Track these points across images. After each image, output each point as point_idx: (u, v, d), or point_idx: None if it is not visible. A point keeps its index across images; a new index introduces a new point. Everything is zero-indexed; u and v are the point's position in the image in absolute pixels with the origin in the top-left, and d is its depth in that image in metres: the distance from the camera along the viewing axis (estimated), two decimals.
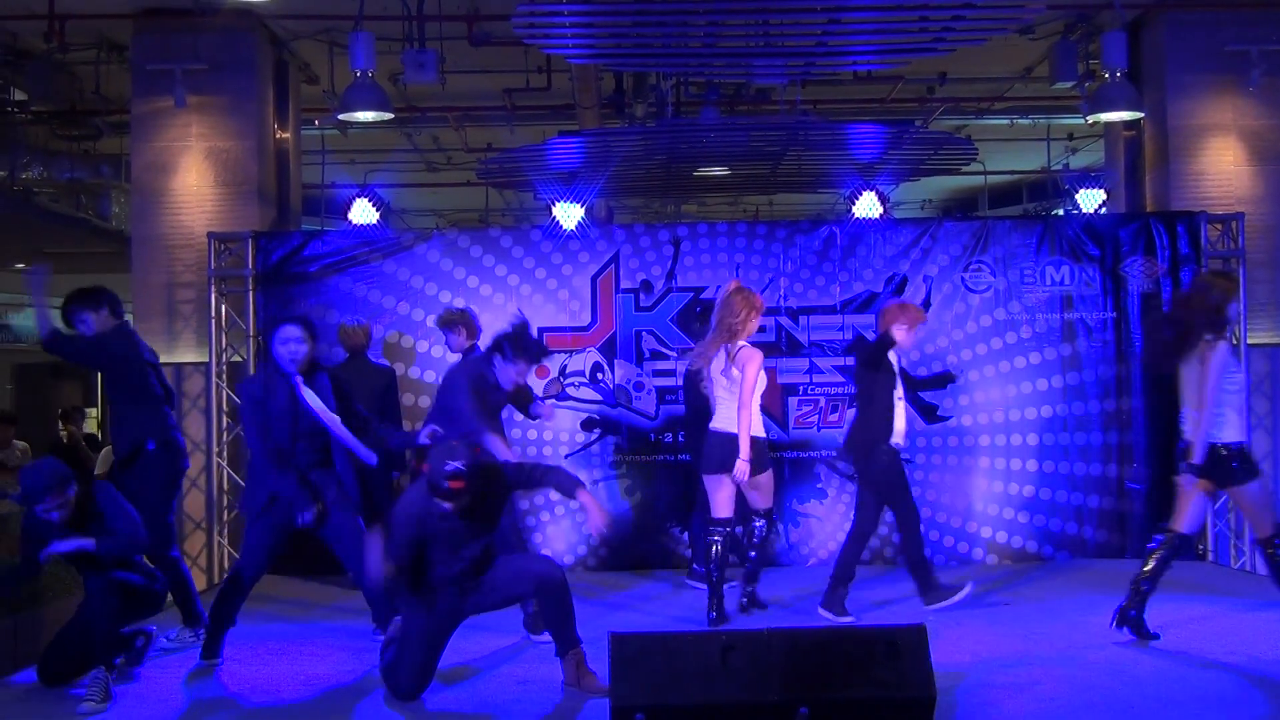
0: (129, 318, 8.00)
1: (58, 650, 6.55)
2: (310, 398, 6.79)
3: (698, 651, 5.32)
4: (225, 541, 10.25)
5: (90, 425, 19.89)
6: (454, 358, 8.68)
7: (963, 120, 14.80)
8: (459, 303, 9.76)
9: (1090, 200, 10.84)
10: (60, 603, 7.82)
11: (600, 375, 10.11)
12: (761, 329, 10.03)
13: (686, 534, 9.80)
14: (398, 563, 6.00)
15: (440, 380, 7.96)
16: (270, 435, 6.76)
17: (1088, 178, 11.34)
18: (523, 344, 7.30)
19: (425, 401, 10.06)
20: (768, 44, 9.57)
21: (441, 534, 6.04)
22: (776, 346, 10.06)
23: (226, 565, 10.12)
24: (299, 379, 6.81)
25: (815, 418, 10.07)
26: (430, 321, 9.94)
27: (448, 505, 5.96)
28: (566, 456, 9.97)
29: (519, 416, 8.73)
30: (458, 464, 5.88)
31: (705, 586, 8.82)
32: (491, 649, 7.11)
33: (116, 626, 6.47)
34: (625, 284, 10.22)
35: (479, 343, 8.63)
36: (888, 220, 10.30)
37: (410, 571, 6.05)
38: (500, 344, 7.30)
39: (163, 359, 8.38)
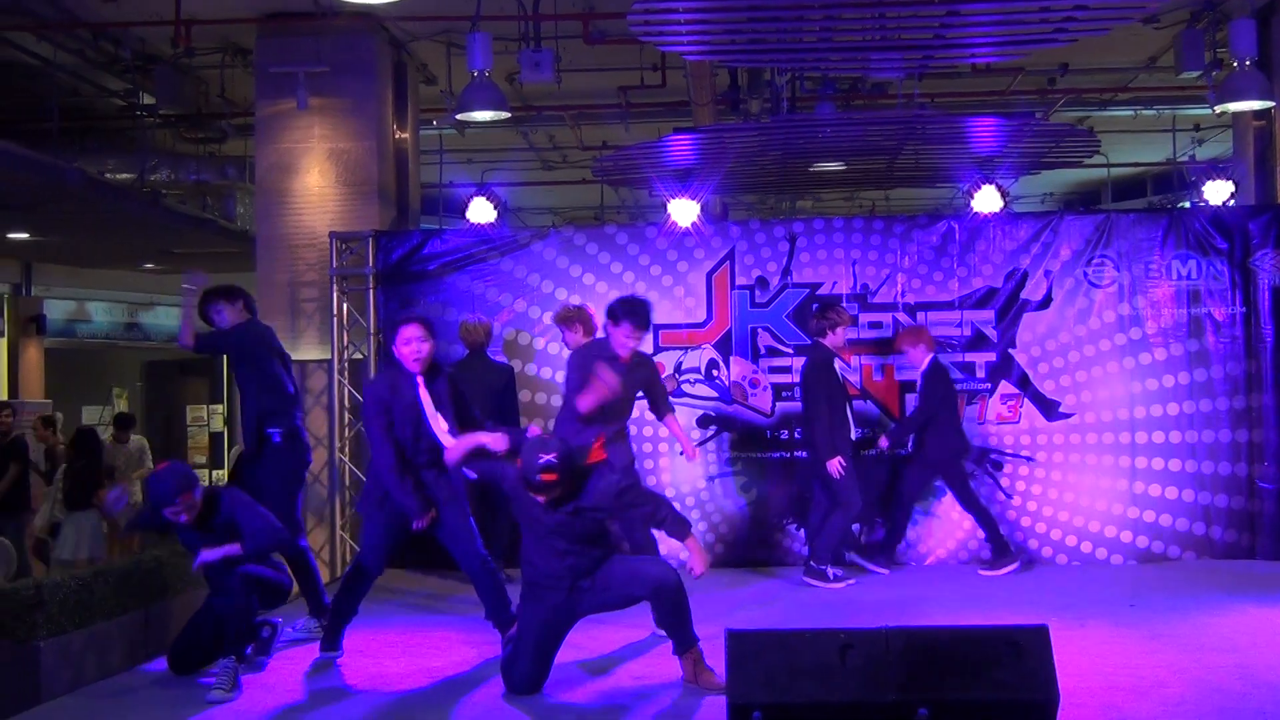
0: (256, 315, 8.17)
1: (188, 641, 6.72)
2: (424, 398, 6.87)
3: (815, 649, 5.28)
4: (347, 535, 10.42)
5: (217, 423, 20.40)
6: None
7: (1085, 112, 14.52)
8: (575, 300, 9.82)
9: (1218, 192, 10.58)
10: (188, 594, 8.02)
11: (716, 372, 10.11)
12: (878, 325, 10.01)
13: (803, 531, 9.76)
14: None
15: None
16: (391, 438, 6.83)
17: (1215, 169, 11.08)
18: (629, 305, 7.46)
19: (543, 399, 10.14)
20: (884, 37, 9.48)
21: (540, 528, 6.09)
22: (893, 342, 9.97)
23: (348, 558, 10.29)
24: (420, 379, 6.89)
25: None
26: (547, 319, 10.02)
27: (541, 498, 6.01)
28: (681, 453, 9.98)
29: (649, 416, 8.79)
30: (549, 456, 5.91)
31: (821, 584, 8.83)
32: (615, 643, 7.15)
33: (250, 619, 6.62)
34: (741, 280, 10.19)
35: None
36: (1007, 214, 10.15)
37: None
38: (610, 309, 7.51)
39: None
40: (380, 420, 6.83)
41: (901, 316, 10.04)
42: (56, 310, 19.10)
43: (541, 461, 5.91)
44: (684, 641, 6.20)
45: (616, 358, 7.47)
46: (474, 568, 6.98)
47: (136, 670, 7.03)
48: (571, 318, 8.77)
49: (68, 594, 7.19)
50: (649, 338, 9.37)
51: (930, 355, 9.47)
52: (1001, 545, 9.39)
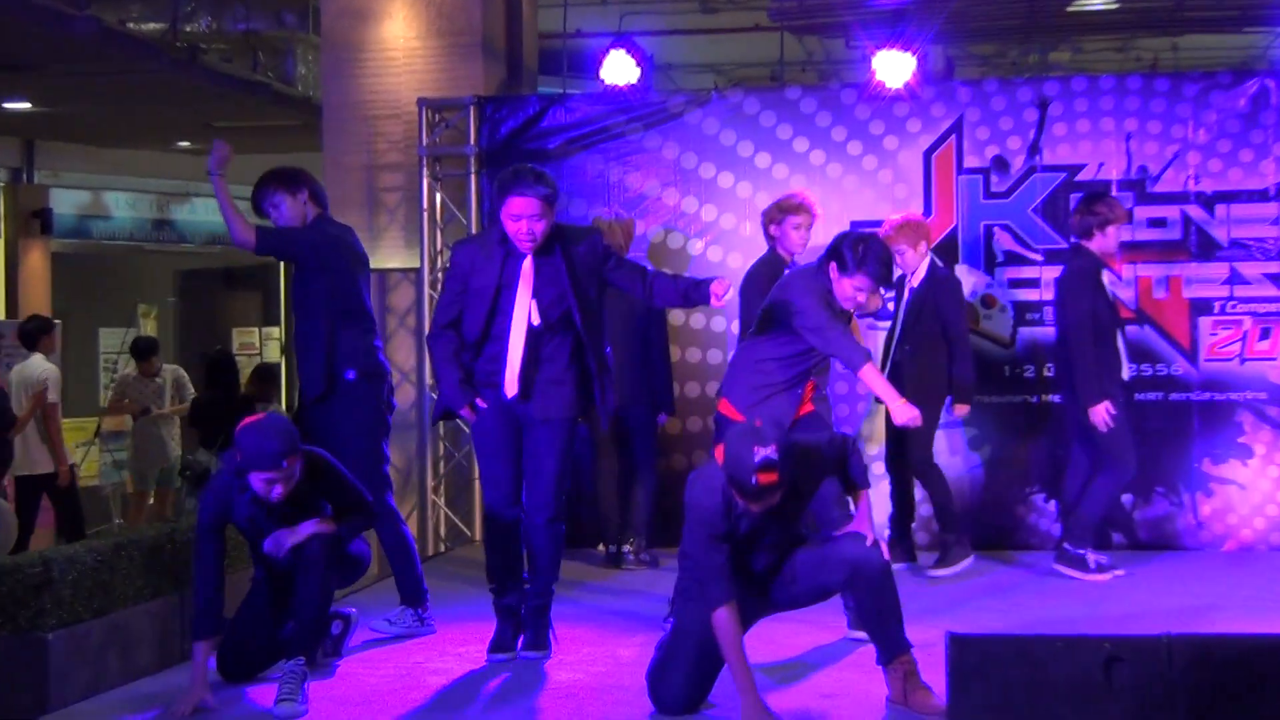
0: None
1: (243, 636, 6.87)
2: (523, 284, 6.92)
3: (1069, 662, 5.28)
4: (441, 501, 10.59)
5: (272, 351, 20.77)
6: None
7: None
8: (799, 183, 9.81)
9: None
10: (239, 572, 8.21)
11: None
12: (1162, 222, 9.85)
13: (1055, 502, 9.69)
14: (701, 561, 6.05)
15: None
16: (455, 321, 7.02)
17: None
18: (870, 248, 7.07)
19: (699, 321, 10.19)
20: None
21: (739, 532, 6.09)
22: (1182, 246, 9.83)
23: (443, 532, 10.48)
24: (529, 259, 6.92)
25: (1237, 345, 9.80)
26: (709, 214, 10.05)
27: (756, 507, 5.88)
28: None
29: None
30: (769, 452, 5.67)
31: (1079, 574, 8.76)
32: (797, 648, 7.18)
33: (328, 606, 6.78)
34: (971, 162, 10.14)
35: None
36: None
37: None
38: (839, 248, 7.10)
39: None
40: (450, 289, 7.07)
41: (1194, 211, 9.89)
42: (66, 203, 19.58)
43: (760, 458, 5.67)
44: (891, 647, 6.19)
45: (832, 298, 7.20)
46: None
47: (171, 671, 7.23)
48: (794, 209, 8.75)
49: (83, 572, 7.35)
50: None
51: (928, 258, 9.23)
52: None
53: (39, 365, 12.43)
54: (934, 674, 5.88)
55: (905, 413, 6.89)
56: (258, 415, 6.93)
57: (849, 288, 7.07)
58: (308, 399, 7.76)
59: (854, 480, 6.37)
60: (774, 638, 7.10)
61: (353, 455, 7.30)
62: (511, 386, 6.93)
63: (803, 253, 8.68)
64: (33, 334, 12.73)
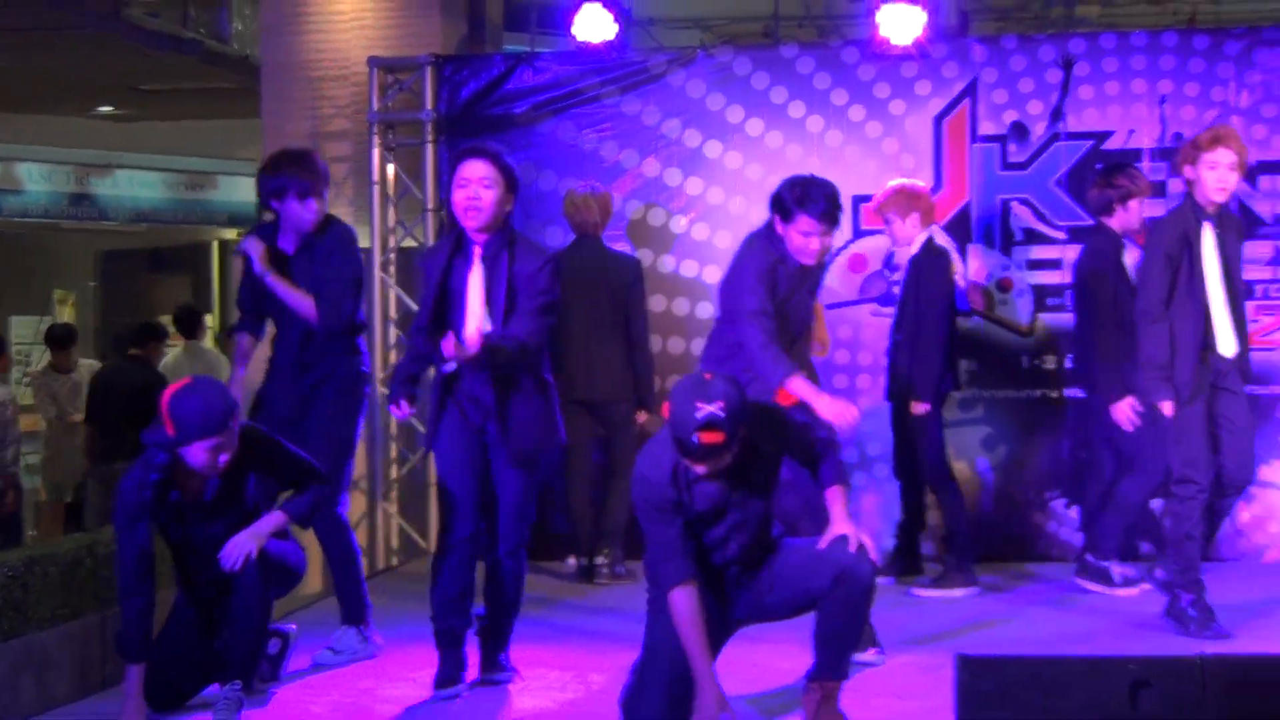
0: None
1: (171, 659, 6.88)
2: (472, 280, 6.95)
3: (1093, 685, 5.30)
4: (394, 510, 10.60)
5: (207, 340, 20.70)
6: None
7: None
8: (795, 153, 9.93)
9: None
10: (163, 590, 8.21)
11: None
12: None
13: (1077, 510, 9.74)
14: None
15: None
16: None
17: None
18: (805, 189, 7.19)
19: (683, 307, 10.22)
20: None
21: (694, 507, 6.12)
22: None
23: (395, 543, 10.50)
24: (478, 248, 6.94)
25: None
26: (695, 187, 10.11)
27: (700, 468, 5.98)
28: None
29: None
30: (714, 409, 5.77)
31: (1103, 589, 8.82)
32: (782, 675, 7.24)
33: (267, 621, 6.80)
34: (986, 128, 10.19)
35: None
36: None
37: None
38: (778, 196, 7.23)
39: None
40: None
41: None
42: None
43: (702, 416, 5.76)
44: (831, 671, 6.21)
45: (784, 260, 7.28)
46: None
47: (93, 700, 7.25)
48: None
49: None
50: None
51: (926, 232, 9.20)
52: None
53: None
54: (941, 698, 5.92)
55: (833, 411, 6.84)
56: (182, 381, 6.73)
57: (797, 236, 7.17)
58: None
59: (822, 477, 6.35)
60: (755, 660, 7.15)
61: (328, 440, 7.39)
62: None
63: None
64: None
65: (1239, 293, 7.78)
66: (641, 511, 6.15)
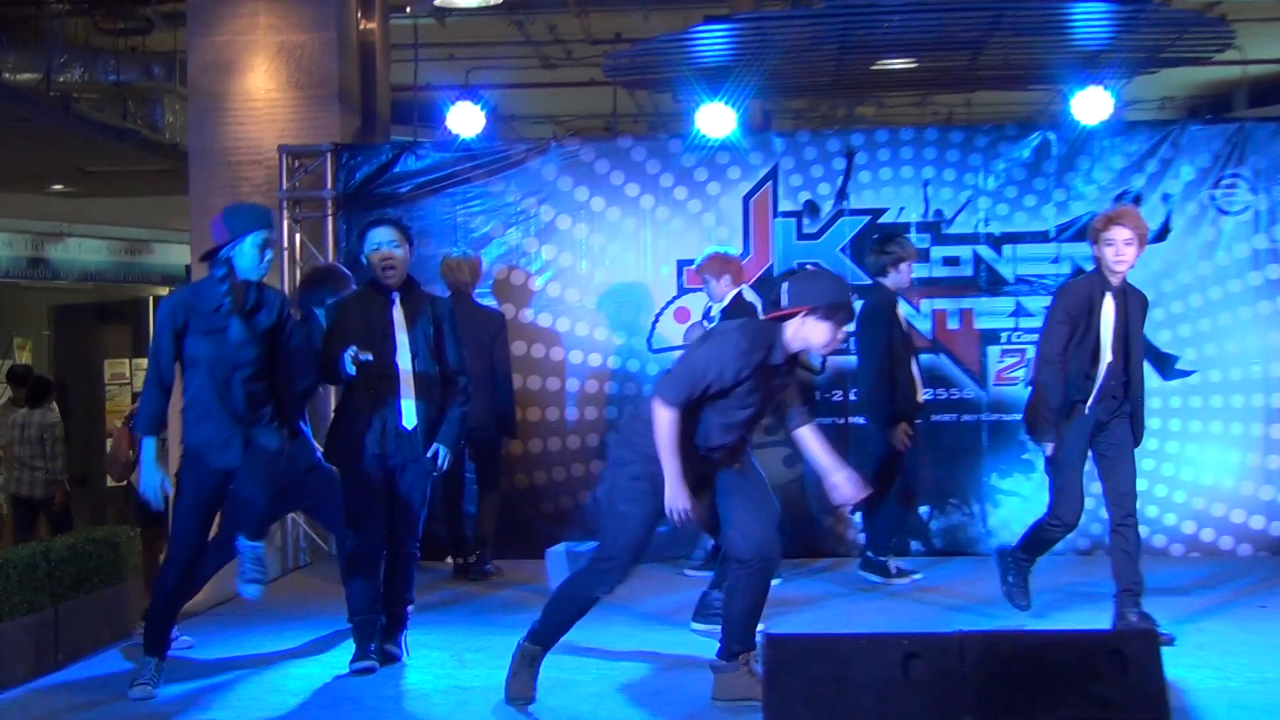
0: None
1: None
2: (398, 322, 6.98)
3: (872, 659, 5.31)
4: (301, 519, 10.47)
5: (140, 380, 20.40)
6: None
7: None
8: (631, 226, 10.07)
9: None
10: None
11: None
12: (955, 261, 10.02)
13: (860, 515, 9.80)
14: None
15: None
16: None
17: None
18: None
19: (540, 351, 10.19)
20: None
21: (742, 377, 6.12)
22: (973, 282, 10.00)
23: (303, 544, 10.38)
24: (395, 296, 7.02)
25: (1022, 371, 9.98)
26: (547, 253, 10.10)
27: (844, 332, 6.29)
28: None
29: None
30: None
31: (881, 579, 8.88)
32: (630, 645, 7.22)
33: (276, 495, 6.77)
34: (785, 206, 10.24)
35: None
36: (1117, 124, 10.14)
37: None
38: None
39: None
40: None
41: (983, 250, 10.06)
42: None
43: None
44: (745, 639, 6.21)
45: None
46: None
47: (43, 682, 7.11)
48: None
49: None
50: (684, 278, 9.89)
51: (737, 290, 9.14)
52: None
53: None
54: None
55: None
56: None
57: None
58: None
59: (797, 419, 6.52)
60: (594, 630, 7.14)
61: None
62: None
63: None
64: None
65: (1135, 354, 7.48)
66: (718, 353, 6.06)
